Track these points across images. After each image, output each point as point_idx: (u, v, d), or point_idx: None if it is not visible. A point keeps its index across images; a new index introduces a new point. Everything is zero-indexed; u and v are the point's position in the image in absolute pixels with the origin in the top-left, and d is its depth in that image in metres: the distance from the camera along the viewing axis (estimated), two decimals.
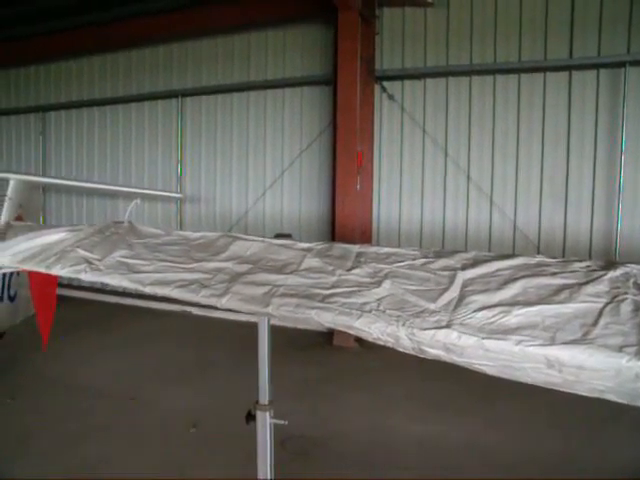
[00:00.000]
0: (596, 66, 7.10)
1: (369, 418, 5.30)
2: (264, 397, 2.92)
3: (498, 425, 5.17)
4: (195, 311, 9.13)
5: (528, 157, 7.44)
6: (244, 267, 2.72)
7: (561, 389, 2.10)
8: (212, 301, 2.51)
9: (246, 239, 2.99)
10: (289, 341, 7.13)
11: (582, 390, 2.05)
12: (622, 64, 6.91)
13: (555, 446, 4.74)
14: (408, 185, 8.12)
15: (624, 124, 6.88)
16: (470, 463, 4.46)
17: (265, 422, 2.90)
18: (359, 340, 7.50)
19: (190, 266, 2.77)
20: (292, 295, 2.42)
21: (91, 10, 9.64)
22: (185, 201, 10.05)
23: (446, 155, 7.84)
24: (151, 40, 9.96)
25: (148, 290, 2.63)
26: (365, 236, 7.87)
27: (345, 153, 7.70)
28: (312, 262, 2.71)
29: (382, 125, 8.22)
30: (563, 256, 5.99)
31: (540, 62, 7.30)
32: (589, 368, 1.93)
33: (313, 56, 8.74)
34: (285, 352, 6.45)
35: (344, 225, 7.54)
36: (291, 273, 2.62)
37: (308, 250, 2.84)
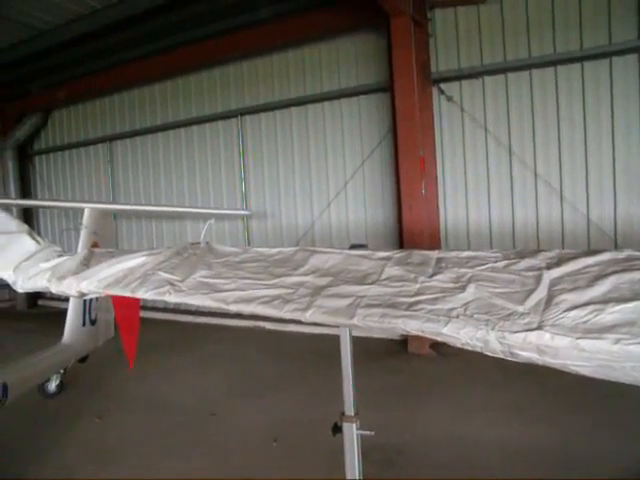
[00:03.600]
0: None
1: (450, 425, 5.23)
2: (350, 408, 2.93)
3: (582, 432, 4.98)
4: (268, 326, 9.25)
5: (598, 149, 7.17)
6: (325, 280, 2.74)
7: None
8: (296, 315, 2.55)
9: (323, 252, 3.02)
10: (363, 350, 7.05)
11: None
12: None
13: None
14: (473, 186, 8.00)
15: None
16: (551, 468, 4.34)
17: (352, 433, 2.91)
18: (434, 346, 7.41)
19: (271, 282, 2.81)
20: (377, 305, 2.43)
21: (155, 39, 10.03)
22: (251, 218, 10.22)
23: (510, 153, 7.67)
24: (208, 63, 10.26)
25: (232, 308, 2.70)
26: (434, 240, 7.79)
27: (407, 159, 7.66)
28: (392, 271, 2.71)
29: (442, 128, 8.15)
30: None
31: (604, 47, 7.02)
32: None
33: (367, 64, 8.78)
34: (360, 362, 6.43)
35: (412, 230, 7.50)
36: (373, 283, 2.63)
37: (387, 259, 2.85)
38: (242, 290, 2.82)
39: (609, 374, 2.05)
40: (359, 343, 6.54)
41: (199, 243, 3.42)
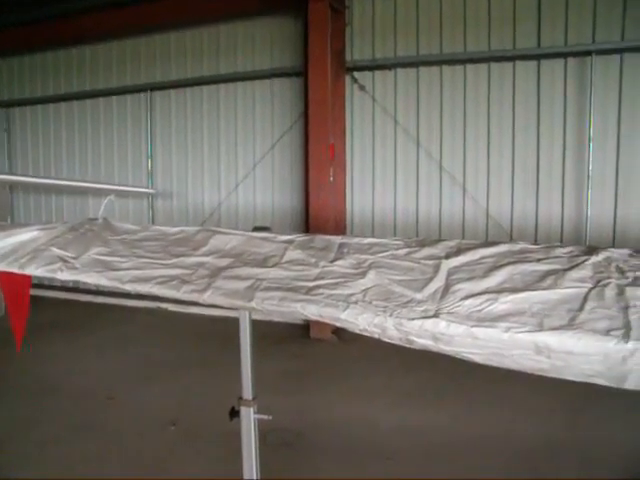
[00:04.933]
0: (564, 55, 7.17)
1: (349, 408, 5.31)
2: (247, 392, 2.88)
3: (475, 411, 5.23)
4: (171, 307, 9.01)
5: (499, 146, 7.50)
6: (225, 261, 2.67)
7: (550, 375, 2.11)
8: (194, 297, 2.47)
9: (226, 233, 2.95)
10: (265, 335, 7.08)
11: (570, 375, 2.06)
12: (588, 53, 6.98)
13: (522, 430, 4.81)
14: (381, 175, 8.13)
15: (591, 112, 6.97)
16: (448, 449, 4.50)
17: (249, 417, 2.87)
18: (336, 332, 7.50)
19: (170, 262, 2.72)
20: (276, 288, 2.39)
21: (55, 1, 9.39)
22: (157, 197, 9.90)
23: (418, 145, 7.86)
24: (118, 34, 9.76)
25: (127, 287, 2.58)
26: (339, 227, 7.86)
27: (317, 145, 7.66)
28: (294, 254, 2.67)
29: (354, 116, 8.21)
30: (535, 242, 6.09)
31: (509, 51, 7.34)
32: (577, 353, 1.94)
33: (283, 48, 8.68)
34: (261, 346, 6.39)
35: (318, 217, 7.52)
36: (274, 266, 2.58)
37: (289, 242, 2.81)
38: (139, 269, 2.70)
39: (500, 361, 2.11)
40: (262, 327, 6.50)
41: (97, 219, 3.24)
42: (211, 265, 2.67)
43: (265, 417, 2.91)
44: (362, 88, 8.12)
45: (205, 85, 9.38)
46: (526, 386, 4.87)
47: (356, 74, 8.16)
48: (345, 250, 2.63)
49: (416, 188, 7.92)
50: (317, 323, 7.09)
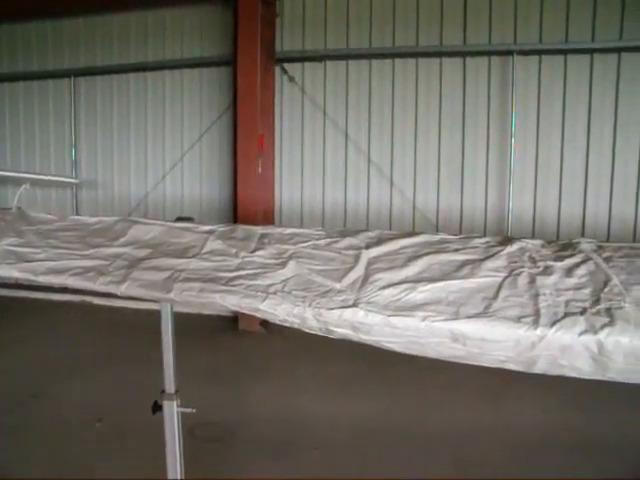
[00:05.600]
0: (488, 53, 7.37)
1: (278, 401, 5.30)
2: (170, 386, 2.83)
3: (401, 400, 5.34)
4: (96, 301, 8.71)
5: (426, 140, 7.64)
6: (144, 252, 2.61)
7: (465, 362, 2.16)
8: (111, 288, 2.41)
9: (146, 223, 2.89)
10: (193, 328, 6.98)
11: (485, 361, 2.12)
12: (510, 53, 7.22)
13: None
14: (310, 167, 8.14)
15: (513, 110, 7.21)
16: (375, 437, 4.57)
17: (172, 411, 2.82)
18: (264, 324, 7.46)
19: (86, 252, 2.64)
20: (195, 279, 2.35)
21: None
22: (81, 187, 9.54)
23: (347, 137, 7.90)
24: (39, 13, 9.26)
25: (41, 279, 2.49)
26: (268, 219, 7.81)
27: (246, 136, 7.57)
28: (214, 245, 2.64)
29: (283, 108, 8.17)
30: (460, 234, 6.24)
31: (436, 47, 7.48)
32: (491, 340, 2.00)
33: (212, 36, 8.51)
34: (189, 339, 6.29)
35: (246, 208, 7.44)
36: (193, 257, 2.55)
37: (210, 233, 2.77)
38: (53, 260, 2.60)
39: (418, 349, 2.14)
40: (188, 320, 6.43)
41: (10, 209, 3.09)
42: (129, 256, 2.61)
43: (189, 410, 2.86)
44: (292, 80, 8.09)
45: (132, 72, 9.08)
46: (451, 374, 4.99)
47: (286, 65, 8.12)
48: (266, 240, 2.60)
49: (344, 180, 7.97)
50: (245, 315, 7.01)
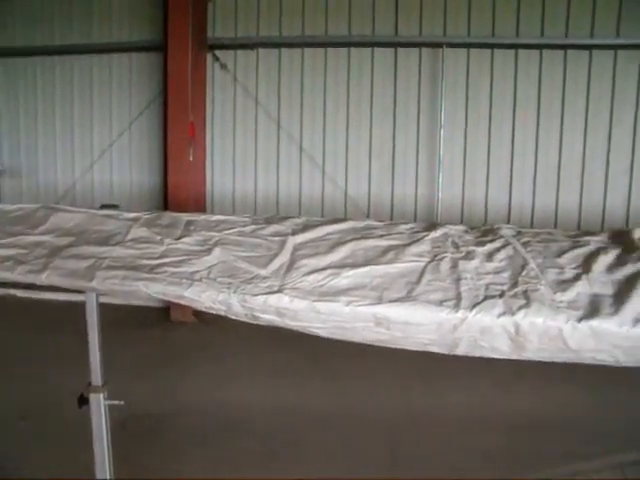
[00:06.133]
0: (418, 45, 7.48)
1: (214, 392, 5.26)
2: (97, 378, 2.76)
3: (338, 387, 5.40)
4: (20, 293, 8.35)
5: (358, 129, 7.68)
6: (65, 240, 2.54)
7: (390, 345, 2.20)
8: (30, 278, 2.33)
9: (68, 210, 2.82)
10: (123, 319, 6.81)
11: (408, 345, 2.17)
12: (440, 45, 7.35)
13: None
14: (242, 155, 8.05)
15: (442, 101, 7.35)
16: (313, 425, 4.62)
17: (99, 404, 2.76)
18: (197, 314, 7.37)
19: (4, 241, 2.55)
20: (118, 267, 2.31)
21: None
22: (3, 175, 9.10)
23: (279, 126, 7.86)
24: None
25: None
26: (199, 206, 7.69)
27: (176, 123, 7.42)
28: (139, 232, 2.59)
29: (215, 95, 8.03)
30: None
31: (368, 37, 7.52)
32: (414, 323, 2.05)
33: (142, 20, 8.22)
34: (119, 331, 6.16)
35: (177, 196, 7.32)
36: (117, 244, 2.50)
37: (135, 220, 2.72)
38: None
39: (343, 334, 2.17)
40: (119, 312, 6.27)
41: None
42: (50, 244, 2.53)
43: (116, 402, 2.81)
44: (224, 67, 7.97)
45: (57, 55, 8.69)
46: (389, 359, 5.07)
47: (218, 52, 7.97)
48: (192, 227, 2.57)
49: (277, 168, 7.93)
50: (177, 305, 6.91)
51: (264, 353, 6.16)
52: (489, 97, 7.39)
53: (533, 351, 2.15)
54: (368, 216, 7.40)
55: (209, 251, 2.37)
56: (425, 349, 2.25)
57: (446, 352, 2.25)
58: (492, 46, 7.35)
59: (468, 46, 7.38)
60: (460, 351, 2.21)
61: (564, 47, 7.24)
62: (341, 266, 2.25)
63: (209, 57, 7.97)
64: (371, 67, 7.61)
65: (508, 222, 6.96)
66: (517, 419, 4.67)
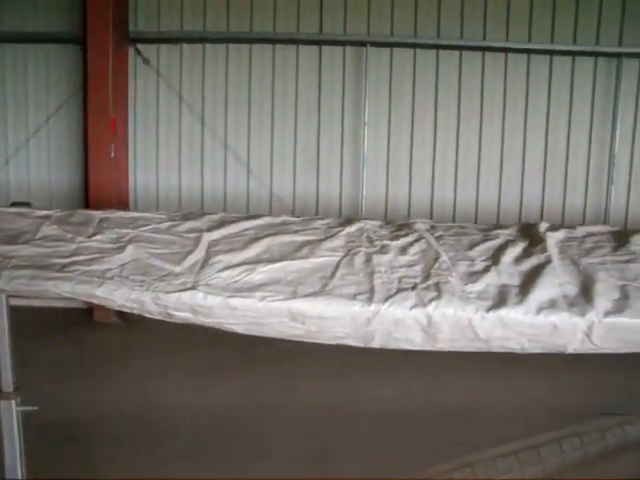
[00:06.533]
0: (342, 43, 7.56)
1: (138, 393, 5.15)
2: (8, 384, 2.65)
3: (263, 384, 5.40)
4: None
5: (283, 126, 7.68)
6: None
7: (306, 340, 2.23)
8: None
9: None
10: (43, 321, 6.57)
11: (324, 339, 2.20)
12: (363, 44, 7.45)
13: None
14: (165, 152, 7.89)
15: (365, 100, 7.46)
16: (238, 423, 4.60)
17: (10, 411, 2.65)
18: (120, 314, 7.18)
19: None
20: (26, 266, 2.23)
21: None
22: None
23: (203, 122, 7.76)
24: None
25: None
26: (122, 205, 7.48)
27: (97, 119, 7.22)
28: (49, 230, 2.51)
29: (137, 90, 7.82)
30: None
31: (292, 35, 7.53)
32: (328, 317, 2.08)
33: (60, 10, 7.89)
34: (38, 333, 5.96)
35: (99, 194, 7.11)
36: (25, 243, 2.41)
37: (46, 218, 2.64)
38: None
39: (259, 330, 2.18)
40: (39, 314, 6.03)
41: None
42: None
43: (30, 409, 2.71)
44: (146, 62, 7.78)
45: None
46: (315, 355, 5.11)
47: (140, 46, 7.77)
48: (105, 225, 2.51)
49: (201, 165, 7.82)
50: (100, 306, 6.71)
51: (190, 351, 6.08)
52: (412, 96, 7.57)
53: (446, 341, 2.22)
54: (293, 213, 7.41)
55: (122, 249, 2.32)
56: (341, 343, 2.28)
57: (362, 345, 2.29)
58: (414, 46, 7.52)
59: (391, 45, 7.52)
60: (375, 344, 2.25)
61: (483, 49, 7.51)
62: (256, 262, 2.26)
63: (131, 51, 7.75)
64: (296, 65, 7.63)
65: (431, 218, 7.16)
66: (424, 410, 4.83)
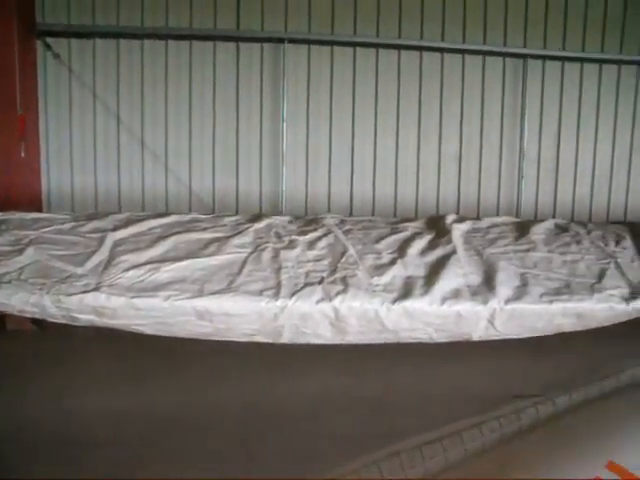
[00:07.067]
0: (260, 40, 7.52)
1: (57, 402, 4.94)
2: None
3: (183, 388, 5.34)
4: None
5: (201, 123, 7.57)
6: None
7: (215, 338, 2.23)
8: None
9: None
10: None
11: (233, 336, 2.21)
12: (281, 40, 7.45)
13: None
14: (80, 151, 7.57)
15: (284, 96, 7.48)
16: (159, 430, 4.52)
17: None
18: (37, 321, 6.89)
19: None
20: None
21: None
22: None
23: (119, 120, 7.52)
24: None
25: None
26: (34, 207, 7.12)
27: (3, 117, 6.81)
28: None
29: (48, 87, 7.48)
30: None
31: (209, 31, 7.42)
32: (235, 314, 2.10)
33: None
34: None
35: (8, 196, 6.75)
36: None
37: None
38: None
39: (168, 330, 2.16)
40: None
41: None
42: None
43: None
44: (57, 56, 7.47)
45: None
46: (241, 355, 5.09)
47: (50, 40, 7.45)
48: (4, 227, 2.42)
49: (117, 163, 7.57)
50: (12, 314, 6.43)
51: (110, 358, 5.91)
52: (330, 93, 7.65)
53: (354, 334, 2.27)
54: (214, 211, 7.33)
55: (21, 251, 2.26)
56: (251, 339, 2.30)
57: (272, 341, 2.31)
58: (332, 43, 7.60)
59: (309, 43, 7.56)
60: (285, 339, 2.28)
61: (398, 47, 7.68)
62: (162, 260, 2.25)
63: (40, 45, 7.43)
64: (213, 61, 7.51)
65: (351, 213, 7.28)
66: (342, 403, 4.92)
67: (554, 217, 7.81)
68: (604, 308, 3.32)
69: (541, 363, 5.55)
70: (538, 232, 3.54)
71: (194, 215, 2.58)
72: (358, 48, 7.65)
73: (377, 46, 7.66)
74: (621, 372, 4.71)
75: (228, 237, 2.46)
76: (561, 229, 4.30)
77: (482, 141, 8.00)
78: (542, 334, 3.27)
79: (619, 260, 3.59)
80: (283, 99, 7.48)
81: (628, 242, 4.00)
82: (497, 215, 7.14)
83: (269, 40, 7.52)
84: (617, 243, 3.93)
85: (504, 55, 7.89)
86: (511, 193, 8.13)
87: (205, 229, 2.50)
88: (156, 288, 2.07)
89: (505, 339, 2.79)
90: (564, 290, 3.22)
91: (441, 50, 7.75)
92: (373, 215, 7.48)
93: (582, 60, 8.05)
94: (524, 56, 7.85)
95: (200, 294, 2.09)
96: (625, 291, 3.48)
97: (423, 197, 7.91)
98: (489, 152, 8.04)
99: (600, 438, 3.51)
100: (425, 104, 7.83)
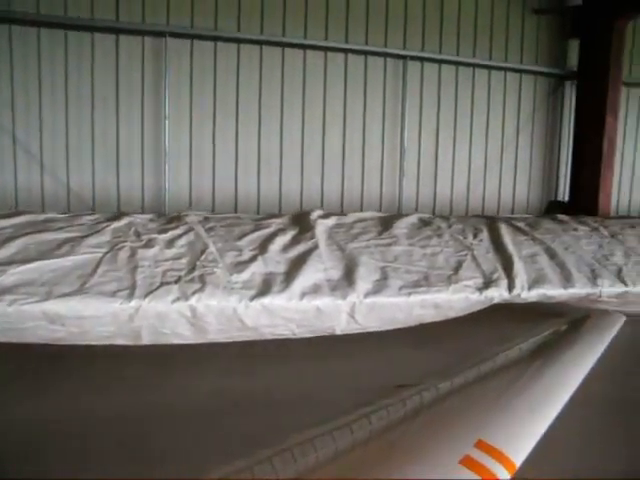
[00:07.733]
0: (141, 33, 7.28)
1: None
2: None
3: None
4: None
5: (78, 121, 7.20)
6: None
7: (69, 342, 2.15)
8: None
9: None
10: None
11: (90, 340, 2.14)
12: (162, 34, 7.28)
13: None
14: None
15: (166, 92, 7.30)
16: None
17: None
18: None
19: None
20: None
21: None
22: None
23: None
24: None
25: None
26: None
27: None
28: None
29: None
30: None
31: (86, 21, 6.96)
32: (88, 317, 2.03)
33: None
34: None
35: None
36: None
37: None
38: None
39: (18, 336, 2.07)
40: None
41: None
42: None
43: None
44: None
45: None
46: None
47: None
48: None
49: None
50: None
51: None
52: (213, 89, 7.58)
53: (215, 332, 2.27)
54: (93, 209, 7.03)
55: None
56: (109, 342, 2.25)
57: (132, 343, 2.27)
58: (215, 39, 7.53)
59: (192, 37, 7.43)
60: (145, 340, 2.25)
61: (282, 45, 7.74)
62: (8, 263, 2.14)
63: None
64: (91, 53, 7.11)
65: (236, 210, 7.24)
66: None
67: (434, 211, 8.24)
68: (460, 298, 3.53)
69: (422, 353, 5.82)
70: (401, 226, 3.71)
71: (50, 215, 2.47)
72: (242, 45, 7.63)
73: (261, 43, 7.69)
74: (495, 356, 5.02)
75: (83, 237, 2.37)
76: (424, 223, 4.51)
77: (364, 139, 8.24)
78: (404, 325, 3.42)
79: (475, 252, 3.82)
80: (165, 95, 7.30)
81: (484, 234, 4.27)
82: (380, 211, 7.38)
83: (150, 33, 7.29)
84: (475, 236, 4.19)
85: (385, 55, 8.17)
86: (393, 189, 8.44)
87: (60, 229, 2.40)
88: (1, 292, 1.96)
89: (365, 332, 2.91)
90: (422, 282, 3.38)
91: (325, 49, 7.91)
92: (259, 211, 7.50)
93: (457, 64, 8.53)
94: (404, 57, 8.22)
95: (48, 297, 2.00)
96: (479, 281, 3.72)
97: (307, 193, 8.04)
98: (370, 149, 8.30)
99: (471, 419, 3.72)
100: (308, 102, 7.97)
